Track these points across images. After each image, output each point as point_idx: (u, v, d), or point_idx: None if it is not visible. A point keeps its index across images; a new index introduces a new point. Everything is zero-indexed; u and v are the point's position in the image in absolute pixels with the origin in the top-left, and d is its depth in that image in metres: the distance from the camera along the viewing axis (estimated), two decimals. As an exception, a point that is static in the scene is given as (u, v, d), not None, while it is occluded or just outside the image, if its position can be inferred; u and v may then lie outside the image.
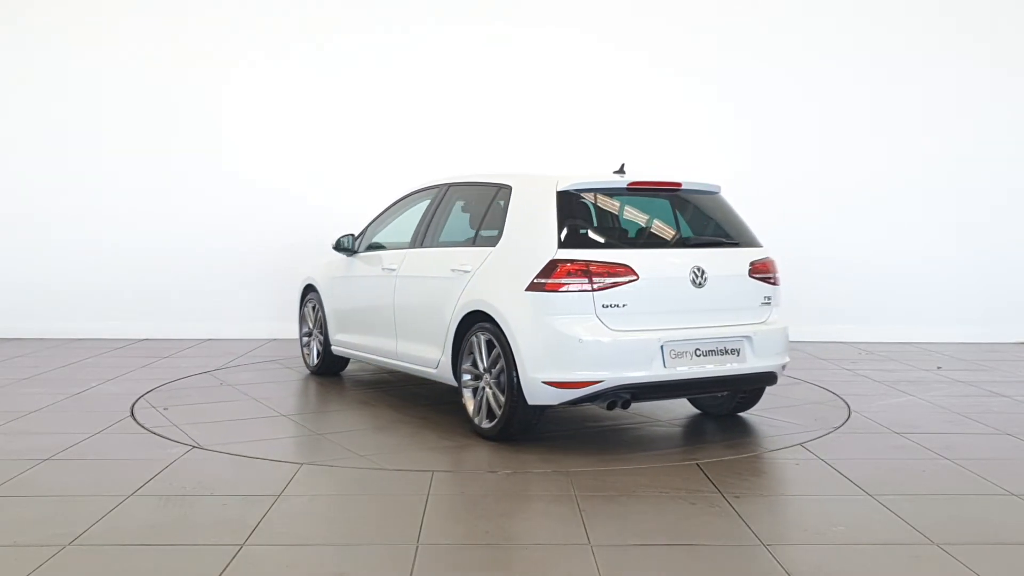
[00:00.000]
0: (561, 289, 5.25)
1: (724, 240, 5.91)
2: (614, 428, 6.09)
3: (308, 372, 8.09)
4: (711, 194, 6.05)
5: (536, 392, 5.32)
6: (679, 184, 5.85)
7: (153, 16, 10.31)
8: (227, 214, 10.33)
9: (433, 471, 4.98)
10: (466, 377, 5.88)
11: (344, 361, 7.91)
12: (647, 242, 5.85)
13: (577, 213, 5.56)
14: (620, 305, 5.28)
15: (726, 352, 5.51)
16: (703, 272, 5.50)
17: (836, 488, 4.75)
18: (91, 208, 10.32)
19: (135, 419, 6.20)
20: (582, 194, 5.65)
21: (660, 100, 10.39)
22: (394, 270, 6.75)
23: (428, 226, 6.62)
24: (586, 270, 5.26)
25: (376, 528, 4.18)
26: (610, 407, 5.38)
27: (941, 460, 5.28)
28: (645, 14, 10.36)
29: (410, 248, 6.74)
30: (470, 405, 5.84)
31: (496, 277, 5.68)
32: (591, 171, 6.19)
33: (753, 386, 6.01)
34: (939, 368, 8.51)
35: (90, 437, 5.69)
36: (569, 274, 5.27)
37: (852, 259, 10.35)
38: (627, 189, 5.77)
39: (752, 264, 5.76)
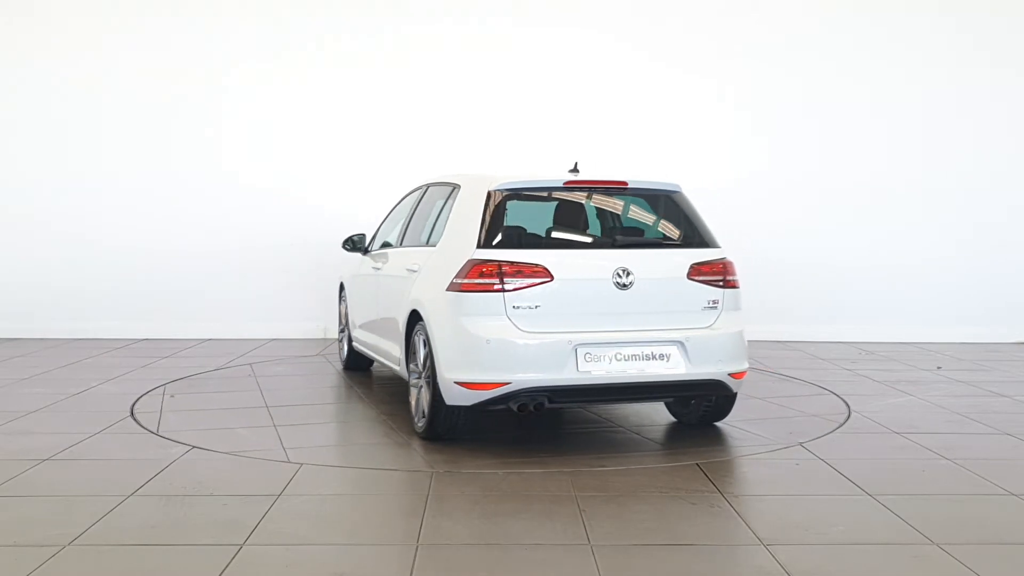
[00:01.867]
0: (474, 290, 5.18)
1: (663, 241, 5.74)
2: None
3: (341, 367, 8.22)
4: (667, 193, 5.78)
5: (451, 392, 5.25)
6: (624, 183, 5.66)
7: (154, 16, 10.30)
8: (227, 214, 10.33)
9: (433, 471, 4.98)
10: (412, 376, 5.83)
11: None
12: (571, 243, 5.69)
13: (504, 213, 5.46)
14: (533, 306, 5.16)
15: (652, 357, 5.23)
16: (629, 273, 5.28)
17: (836, 488, 4.75)
18: (91, 208, 10.31)
19: (135, 419, 6.20)
20: (514, 194, 5.53)
21: (660, 100, 10.37)
22: (379, 269, 6.81)
23: (407, 225, 6.66)
24: (499, 271, 5.18)
25: (376, 528, 4.18)
26: (521, 410, 5.22)
27: (941, 460, 5.27)
28: (645, 13, 10.35)
29: (394, 247, 6.80)
30: (412, 403, 5.82)
31: (430, 277, 5.63)
32: (533, 170, 6.08)
33: (694, 394, 5.66)
34: (939, 368, 8.50)
35: (90, 437, 5.68)
36: (482, 274, 5.18)
37: (852, 259, 10.33)
38: (563, 189, 5.64)
39: (694, 266, 5.46)
